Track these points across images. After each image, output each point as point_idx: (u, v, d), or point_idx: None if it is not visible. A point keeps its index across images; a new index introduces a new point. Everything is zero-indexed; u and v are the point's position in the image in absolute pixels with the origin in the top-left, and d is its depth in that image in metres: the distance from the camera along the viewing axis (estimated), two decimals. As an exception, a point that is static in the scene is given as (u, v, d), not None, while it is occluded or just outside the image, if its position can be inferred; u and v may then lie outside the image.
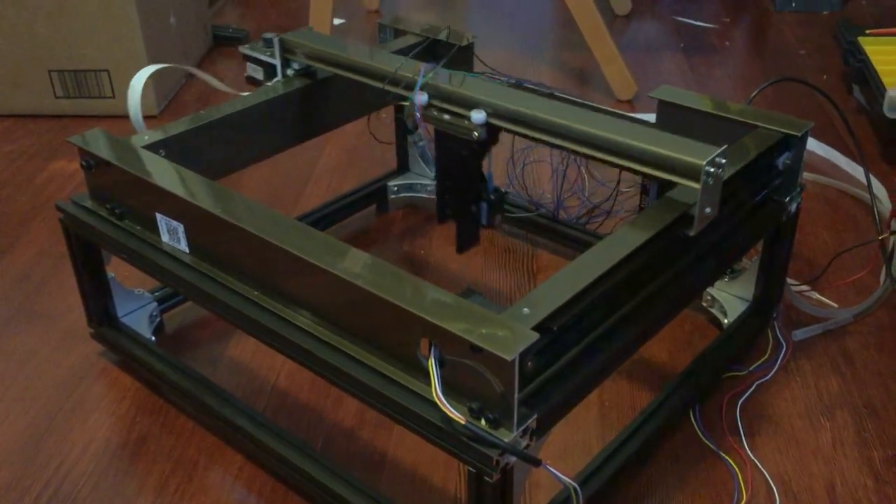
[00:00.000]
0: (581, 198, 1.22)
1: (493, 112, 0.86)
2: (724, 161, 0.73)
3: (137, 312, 0.98)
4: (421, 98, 0.87)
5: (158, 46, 1.55)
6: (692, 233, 0.74)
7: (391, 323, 0.64)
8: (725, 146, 0.74)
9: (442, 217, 1.02)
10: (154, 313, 0.99)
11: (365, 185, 1.21)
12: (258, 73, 1.04)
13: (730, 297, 0.99)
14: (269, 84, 1.01)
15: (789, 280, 0.98)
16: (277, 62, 1.00)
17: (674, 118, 0.90)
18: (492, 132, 0.87)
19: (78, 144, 0.86)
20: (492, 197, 0.99)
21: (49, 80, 1.51)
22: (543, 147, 0.87)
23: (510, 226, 1.16)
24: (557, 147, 0.83)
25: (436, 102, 0.88)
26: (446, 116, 0.87)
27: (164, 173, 0.80)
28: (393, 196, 1.23)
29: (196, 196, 0.76)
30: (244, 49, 1.03)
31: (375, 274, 0.65)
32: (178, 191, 0.77)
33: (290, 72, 1.01)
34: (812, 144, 1.36)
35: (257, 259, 0.73)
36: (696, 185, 0.72)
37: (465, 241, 1.03)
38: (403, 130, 1.22)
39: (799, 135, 0.85)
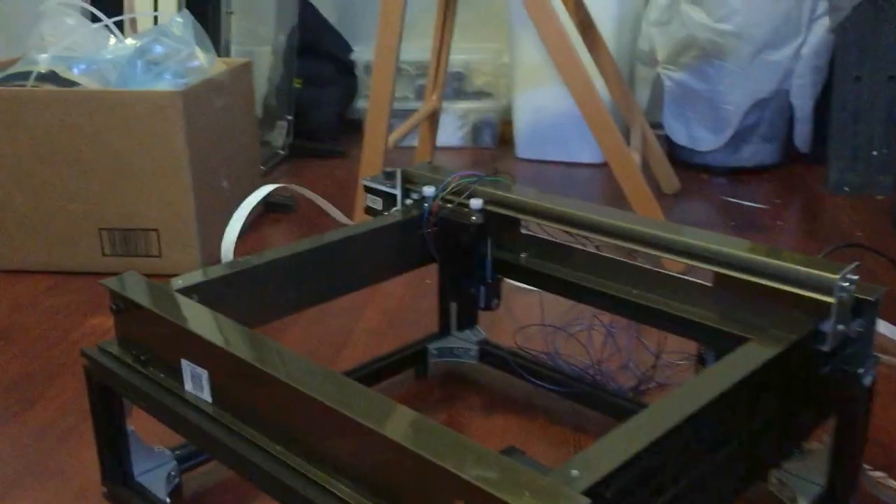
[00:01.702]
0: (630, 368, 1.16)
1: (490, 200, 1.01)
2: (855, 277, 0.77)
3: (155, 471, 0.91)
4: (428, 191, 1.03)
5: (209, 208, 1.56)
6: (826, 348, 0.77)
7: (428, 485, 0.57)
8: (856, 263, 0.77)
9: (443, 298, 1.16)
10: (173, 473, 0.92)
11: (404, 347, 1.16)
12: (377, 204, 1.10)
13: (799, 481, 0.90)
14: (386, 213, 1.08)
15: (864, 465, 0.88)
16: (398, 192, 1.07)
17: (733, 279, 0.85)
18: (489, 218, 1.01)
19: (111, 287, 0.83)
20: (490, 281, 1.06)
21: (99, 238, 1.53)
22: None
23: (548, 391, 1.10)
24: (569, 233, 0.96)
25: (447, 196, 1.04)
26: (449, 205, 1.03)
27: (192, 316, 0.76)
28: (433, 360, 1.17)
29: (223, 339, 0.72)
30: (365, 181, 1.11)
31: (420, 432, 0.59)
32: (204, 333, 0.73)
33: (408, 201, 1.08)
34: (880, 325, 1.28)
35: (286, 412, 0.68)
36: (831, 300, 0.76)
37: (464, 322, 1.18)
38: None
39: (872, 299, 0.79)
